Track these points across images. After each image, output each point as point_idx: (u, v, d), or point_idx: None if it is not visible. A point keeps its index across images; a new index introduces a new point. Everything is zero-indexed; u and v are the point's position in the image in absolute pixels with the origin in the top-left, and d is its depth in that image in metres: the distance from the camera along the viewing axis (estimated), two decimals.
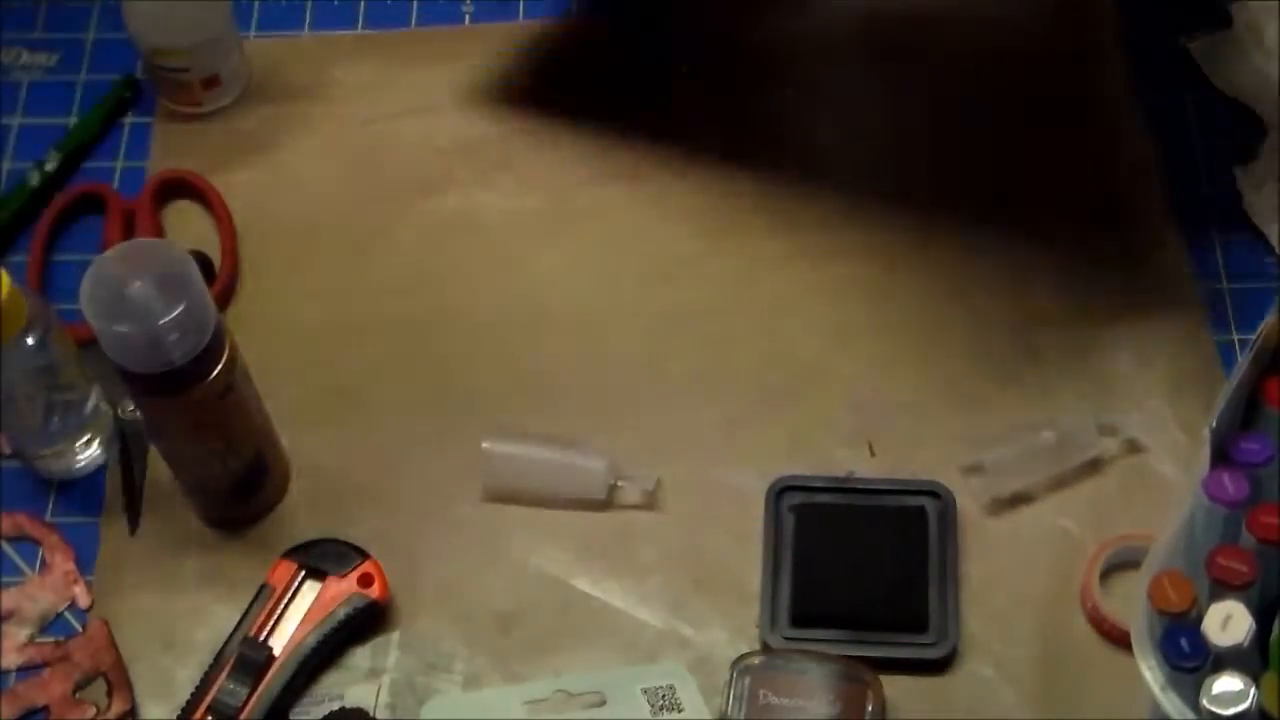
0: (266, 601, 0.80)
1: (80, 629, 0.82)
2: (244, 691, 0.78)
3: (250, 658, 0.79)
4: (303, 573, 0.81)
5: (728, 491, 0.85)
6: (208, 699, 0.78)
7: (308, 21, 1.04)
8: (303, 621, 0.80)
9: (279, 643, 0.80)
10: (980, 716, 0.78)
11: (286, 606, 0.81)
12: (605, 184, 0.95)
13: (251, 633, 0.80)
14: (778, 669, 0.77)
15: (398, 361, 0.90)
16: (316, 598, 0.81)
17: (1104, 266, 0.91)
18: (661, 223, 0.94)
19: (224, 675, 0.78)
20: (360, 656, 0.81)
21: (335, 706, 0.79)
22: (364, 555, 0.82)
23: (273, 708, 0.78)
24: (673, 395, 0.88)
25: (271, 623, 0.80)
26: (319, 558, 0.82)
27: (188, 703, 0.79)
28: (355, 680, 0.80)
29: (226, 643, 0.80)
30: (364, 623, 0.81)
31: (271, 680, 0.79)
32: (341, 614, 0.80)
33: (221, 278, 0.92)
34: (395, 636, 0.82)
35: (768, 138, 0.96)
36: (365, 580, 0.81)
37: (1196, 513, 0.72)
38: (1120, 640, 0.79)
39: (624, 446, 0.86)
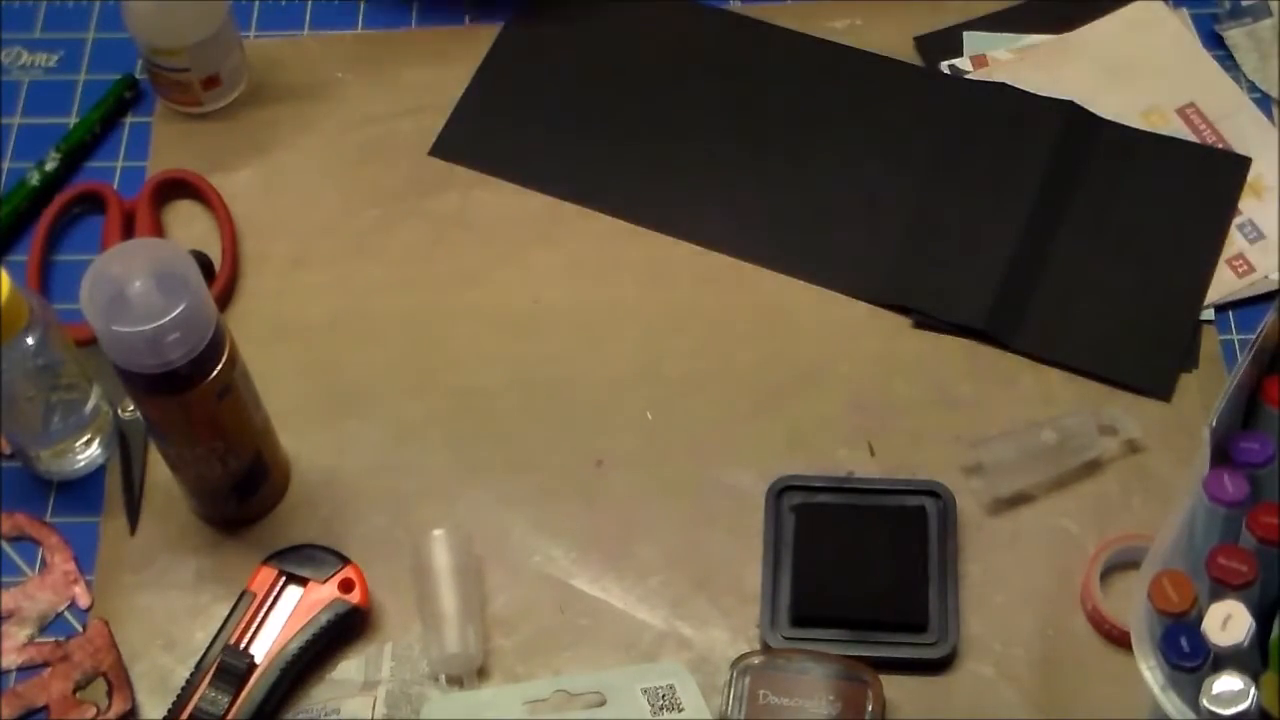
0: (247, 609, 0.80)
1: (80, 629, 0.82)
2: (226, 700, 0.78)
3: (231, 665, 0.78)
4: (283, 579, 0.81)
5: (728, 491, 0.85)
6: (189, 708, 0.78)
7: (308, 21, 1.04)
8: (284, 628, 0.80)
9: (260, 650, 0.79)
10: (980, 716, 0.78)
11: (267, 613, 0.80)
12: None
13: (232, 640, 0.79)
14: (778, 669, 0.77)
15: (398, 362, 0.90)
16: (297, 604, 0.80)
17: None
18: None
19: (205, 683, 0.78)
20: (354, 669, 0.81)
21: None
22: (344, 560, 0.81)
23: (255, 715, 0.78)
24: (672, 395, 0.88)
25: (252, 630, 0.80)
26: (299, 563, 0.81)
27: (169, 712, 0.78)
28: (350, 694, 0.80)
29: (207, 651, 0.79)
30: (346, 628, 0.81)
31: (254, 688, 0.78)
32: (323, 620, 0.80)
33: (221, 278, 0.92)
34: (389, 648, 0.81)
35: (770, 136, 0.96)
36: (346, 585, 0.81)
37: (1196, 513, 0.72)
38: (1120, 640, 0.79)
39: (623, 446, 0.86)
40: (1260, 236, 0.91)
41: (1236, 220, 0.92)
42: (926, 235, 0.92)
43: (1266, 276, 0.90)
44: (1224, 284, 0.90)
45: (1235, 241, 0.91)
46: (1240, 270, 0.90)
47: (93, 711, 0.80)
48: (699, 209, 0.94)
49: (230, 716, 0.78)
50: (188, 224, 0.96)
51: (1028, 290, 0.89)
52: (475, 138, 0.97)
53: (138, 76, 1.01)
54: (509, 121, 0.98)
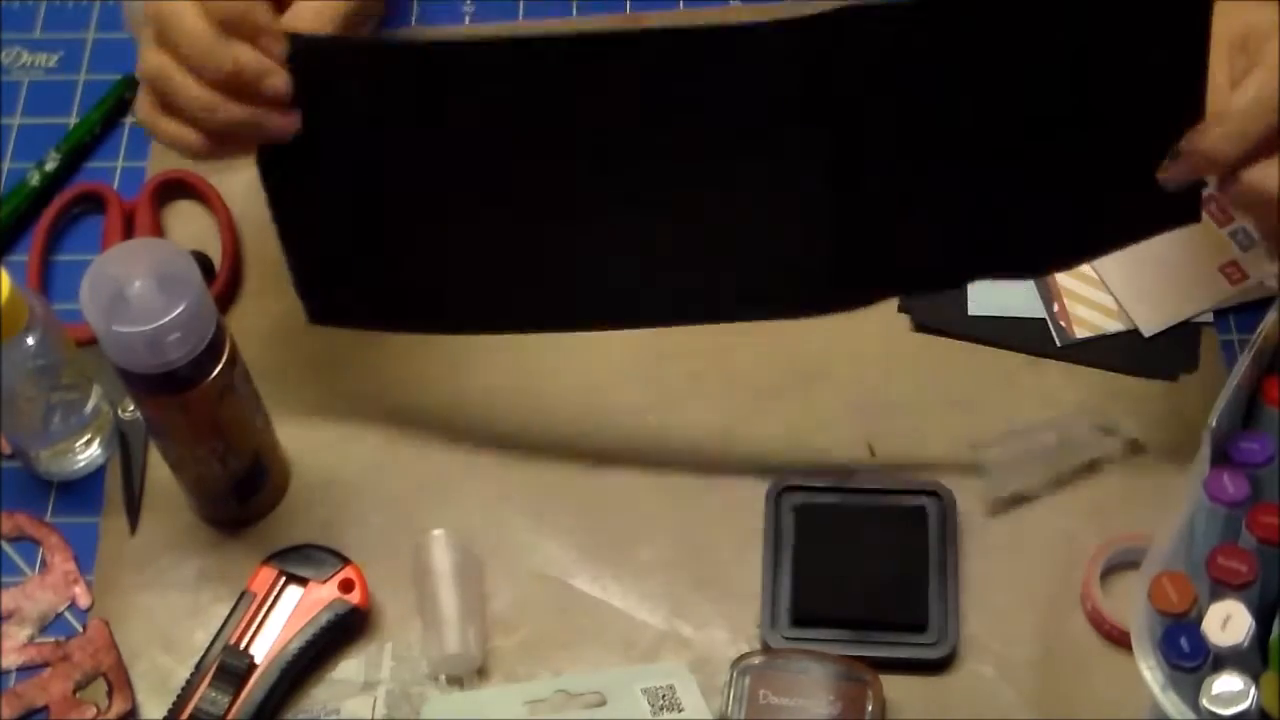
0: (247, 609, 0.80)
1: (80, 629, 0.82)
2: (226, 700, 0.78)
3: (231, 666, 0.78)
4: (283, 579, 0.81)
5: (728, 491, 0.85)
6: (189, 708, 0.78)
7: None
8: (284, 628, 0.80)
9: (260, 650, 0.79)
10: (980, 716, 0.78)
11: (267, 613, 0.80)
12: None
13: (232, 640, 0.79)
14: (778, 669, 0.77)
15: (398, 362, 0.90)
16: (297, 604, 0.80)
17: None
18: None
19: (205, 684, 0.78)
20: (354, 669, 0.81)
21: None
22: (344, 561, 0.81)
23: (255, 715, 0.78)
24: (672, 395, 0.88)
25: (252, 630, 0.80)
26: (299, 563, 0.81)
27: (169, 712, 0.78)
28: (350, 694, 0.80)
29: (207, 651, 0.79)
30: (346, 629, 0.81)
31: (254, 688, 0.78)
32: (323, 620, 0.80)
33: (221, 278, 0.92)
34: (389, 648, 0.81)
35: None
36: (346, 586, 0.80)
37: (1196, 513, 0.72)
38: (1120, 640, 0.79)
39: (623, 446, 0.86)
40: (1253, 243, 0.91)
41: (1229, 228, 0.91)
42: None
43: (1261, 283, 0.89)
44: (1217, 291, 0.90)
45: (1228, 249, 0.91)
46: (1234, 278, 0.90)
47: (93, 711, 0.80)
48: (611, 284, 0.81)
49: (230, 717, 0.78)
50: (188, 224, 0.96)
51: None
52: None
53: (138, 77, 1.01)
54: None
